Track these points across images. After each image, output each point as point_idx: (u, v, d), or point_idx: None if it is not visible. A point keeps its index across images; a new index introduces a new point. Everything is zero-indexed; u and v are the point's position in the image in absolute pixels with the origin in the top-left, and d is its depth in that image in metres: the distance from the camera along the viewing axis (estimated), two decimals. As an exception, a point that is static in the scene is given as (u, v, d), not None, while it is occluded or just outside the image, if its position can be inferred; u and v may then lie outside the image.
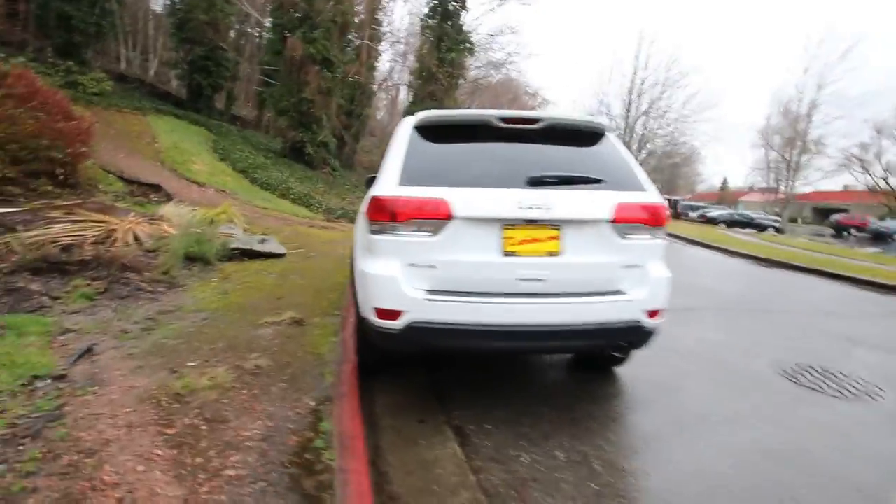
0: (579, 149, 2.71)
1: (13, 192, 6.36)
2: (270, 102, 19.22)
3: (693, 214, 32.13)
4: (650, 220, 2.51)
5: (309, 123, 17.79)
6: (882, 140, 35.36)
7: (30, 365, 2.53)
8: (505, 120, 2.59)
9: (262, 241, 6.45)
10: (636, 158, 2.82)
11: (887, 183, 36.12)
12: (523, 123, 2.61)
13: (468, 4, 22.88)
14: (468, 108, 28.56)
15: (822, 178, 36.80)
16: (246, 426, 2.22)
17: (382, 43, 24.74)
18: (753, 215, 32.09)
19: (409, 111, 24.09)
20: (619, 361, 3.39)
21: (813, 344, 4.54)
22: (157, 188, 9.19)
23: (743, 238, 17.60)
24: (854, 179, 38.66)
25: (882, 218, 32.73)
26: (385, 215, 2.37)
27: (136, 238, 5.32)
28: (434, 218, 2.33)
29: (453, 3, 22.05)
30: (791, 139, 34.53)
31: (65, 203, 6.19)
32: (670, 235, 3.95)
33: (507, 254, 2.37)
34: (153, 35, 22.70)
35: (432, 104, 23.49)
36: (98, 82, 12.94)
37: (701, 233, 17.15)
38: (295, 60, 16.07)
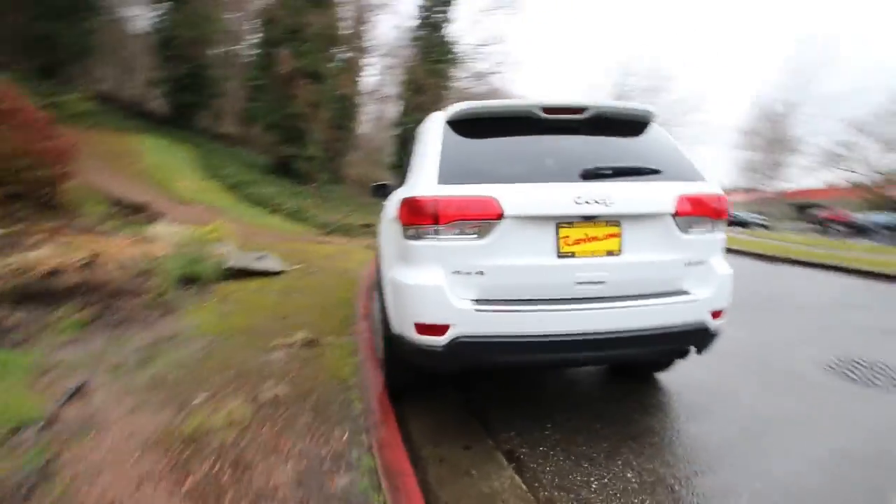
0: (628, 138, 2.48)
1: (-9, 217, 5.95)
2: (258, 118, 18.88)
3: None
4: (712, 212, 2.28)
5: (297, 138, 17.46)
6: (861, 137, 36.30)
7: (14, 409, 2.19)
8: (547, 110, 2.35)
9: (260, 258, 6.11)
10: None
11: (867, 178, 36.98)
12: (567, 113, 2.38)
13: (454, 15, 22.99)
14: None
15: (804, 175, 37.59)
16: (275, 470, 1.91)
17: (369, 55, 24.64)
18: (739, 214, 32.50)
19: (400, 122, 23.97)
20: (662, 367, 3.14)
21: (847, 337, 4.34)
22: (143, 208, 8.78)
23: (737, 237, 17.63)
24: (835, 176, 39.54)
25: (863, 212, 33.39)
26: (425, 218, 2.10)
27: (125, 261, 4.95)
28: (482, 218, 2.06)
29: (440, 14, 22.06)
30: (773, 140, 35.21)
31: (48, 226, 5.79)
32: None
33: (563, 255, 2.12)
34: (137, 53, 22.22)
35: (421, 115, 23.33)
36: (81, 102, 12.50)
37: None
38: (283, 75, 15.78)
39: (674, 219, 2.21)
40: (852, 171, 37.07)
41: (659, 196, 2.20)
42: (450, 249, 2.09)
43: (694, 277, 2.28)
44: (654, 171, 2.27)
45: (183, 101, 18.73)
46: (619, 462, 2.20)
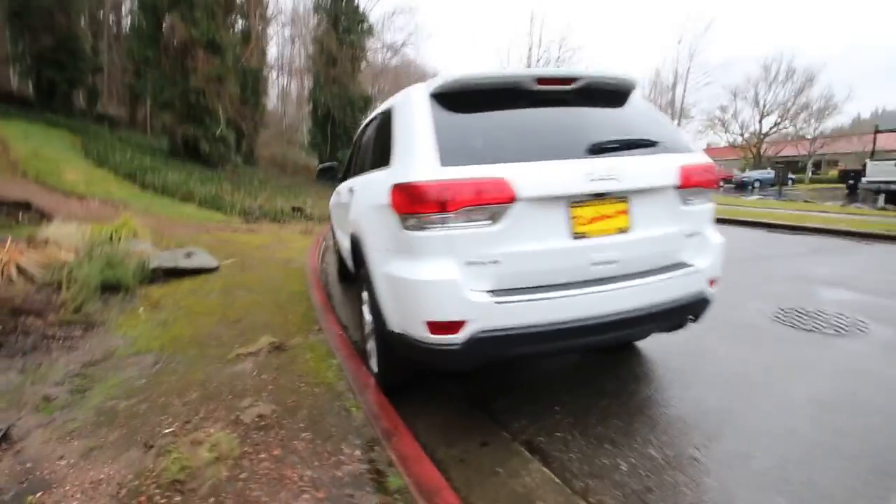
0: (616, 109, 2.41)
1: None
2: (148, 95, 16.74)
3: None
4: (707, 182, 2.30)
5: (200, 116, 15.78)
6: (737, 102, 40.74)
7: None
8: (541, 80, 2.20)
9: (188, 254, 5.43)
10: None
11: (743, 138, 41.73)
12: (559, 84, 2.24)
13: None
14: (371, 93, 27.38)
15: (693, 139, 41.39)
16: (293, 507, 1.66)
17: (272, 25, 22.73)
18: None
19: (313, 97, 22.53)
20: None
21: (779, 287, 4.79)
22: (26, 206, 7.44)
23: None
24: (718, 138, 44.17)
25: (742, 170, 37.75)
26: (429, 205, 1.88)
27: (22, 271, 4.14)
28: (495, 202, 1.89)
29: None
30: (665, 106, 38.30)
31: None
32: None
33: (577, 235, 2.01)
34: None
35: (337, 89, 22.15)
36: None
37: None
38: (176, 46, 14.00)
39: (677, 191, 2.20)
40: (730, 133, 41.55)
41: (664, 169, 2.16)
42: (462, 238, 1.90)
43: (692, 248, 2.30)
44: (653, 143, 2.23)
45: (49, 78, 16.08)
46: (639, 440, 2.20)
